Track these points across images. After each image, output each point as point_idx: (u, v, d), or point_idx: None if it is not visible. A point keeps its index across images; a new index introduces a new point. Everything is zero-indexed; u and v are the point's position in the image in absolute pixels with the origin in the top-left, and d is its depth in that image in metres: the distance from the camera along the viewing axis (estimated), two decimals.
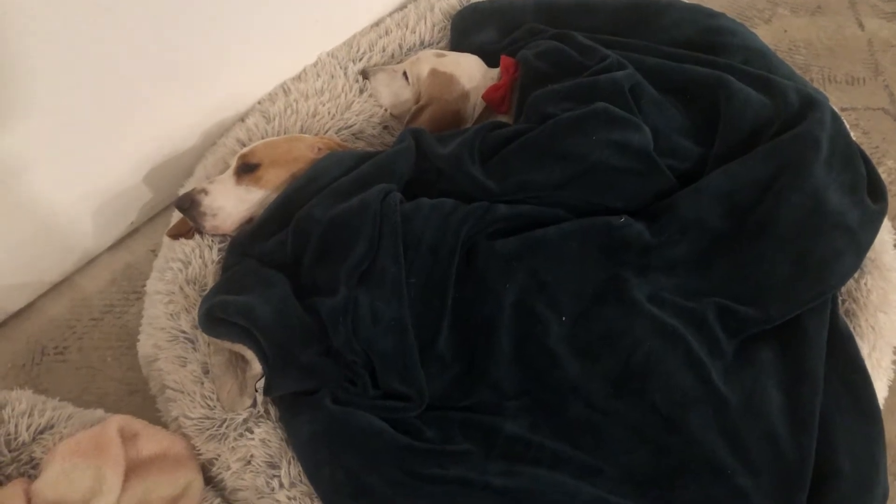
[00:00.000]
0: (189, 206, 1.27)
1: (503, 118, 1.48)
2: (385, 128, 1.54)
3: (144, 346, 1.28)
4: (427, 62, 1.51)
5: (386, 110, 1.56)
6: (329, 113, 1.50)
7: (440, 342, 1.17)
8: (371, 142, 1.51)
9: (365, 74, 1.58)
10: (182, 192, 1.38)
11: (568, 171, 1.26)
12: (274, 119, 1.48)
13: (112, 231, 1.55)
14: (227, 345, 1.17)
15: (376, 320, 1.15)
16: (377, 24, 1.67)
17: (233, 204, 1.29)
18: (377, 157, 1.34)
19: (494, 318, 1.18)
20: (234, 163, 1.33)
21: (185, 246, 1.32)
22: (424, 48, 1.63)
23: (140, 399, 1.31)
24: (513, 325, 1.18)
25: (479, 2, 1.64)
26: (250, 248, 1.28)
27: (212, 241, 1.32)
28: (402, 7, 1.71)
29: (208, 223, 1.28)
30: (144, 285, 1.37)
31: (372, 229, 1.19)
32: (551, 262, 1.21)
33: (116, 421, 1.09)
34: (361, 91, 1.56)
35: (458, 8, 1.65)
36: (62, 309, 1.46)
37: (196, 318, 1.23)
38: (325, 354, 1.15)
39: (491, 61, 1.54)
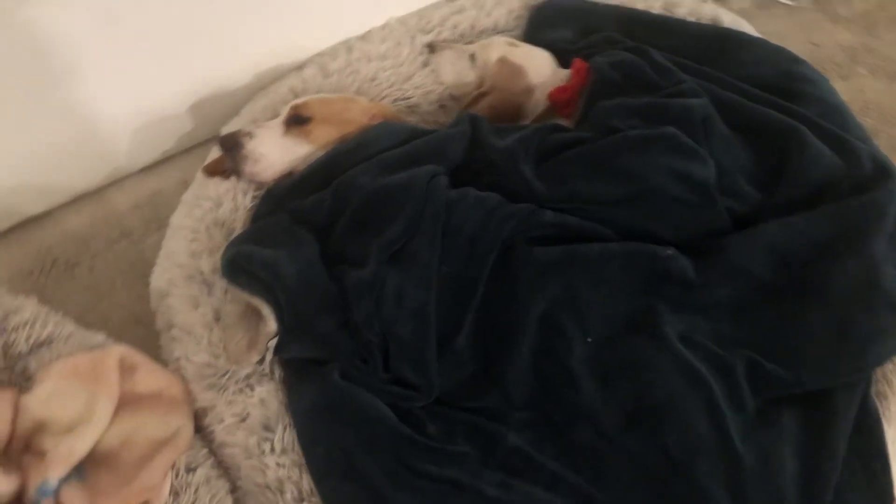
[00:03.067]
0: (232, 146, 1.24)
1: (564, 121, 1.44)
2: (441, 107, 1.50)
3: (158, 279, 1.25)
4: (498, 49, 1.47)
5: (445, 89, 1.52)
6: (388, 80, 1.46)
7: (460, 338, 1.14)
8: (425, 118, 1.47)
9: (431, 48, 1.54)
10: (226, 130, 1.34)
11: (623, 190, 1.22)
12: (332, 75, 1.43)
13: (147, 154, 1.51)
14: (245, 296, 1.13)
15: (401, 303, 1.12)
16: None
17: (277, 153, 1.25)
18: (430, 135, 1.30)
19: (519, 324, 1.15)
20: (284, 112, 1.29)
21: (219, 186, 1.28)
22: (497, 34, 1.58)
23: (143, 331, 1.27)
24: (536, 336, 1.15)
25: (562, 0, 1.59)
26: (286, 202, 1.25)
27: (247, 185, 1.29)
28: None
29: (248, 168, 1.25)
30: (168, 216, 1.33)
31: (414, 209, 1.15)
32: (589, 279, 1.17)
33: (118, 351, 1.06)
34: (424, 65, 1.52)
35: (540, 3, 1.60)
36: (81, 223, 1.43)
37: (218, 261, 1.20)
38: (342, 327, 1.12)
39: (561, 61, 1.50)
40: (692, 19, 1.58)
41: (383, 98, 1.44)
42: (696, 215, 1.23)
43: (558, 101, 1.42)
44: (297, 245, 1.16)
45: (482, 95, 1.45)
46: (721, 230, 1.24)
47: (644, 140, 1.23)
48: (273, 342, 1.09)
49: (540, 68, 1.46)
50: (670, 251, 1.19)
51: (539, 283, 1.16)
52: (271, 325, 1.08)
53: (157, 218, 1.43)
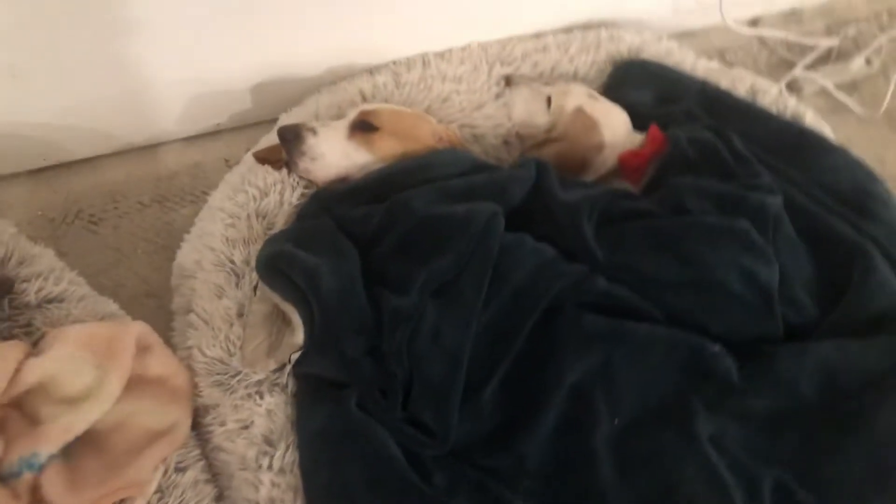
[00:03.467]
0: (292, 138, 1.18)
1: (628, 186, 1.39)
2: (506, 143, 1.45)
3: (186, 257, 1.19)
4: (576, 98, 1.42)
5: (513, 126, 1.47)
6: (459, 105, 1.41)
7: (487, 391, 1.09)
8: (487, 151, 1.42)
9: (508, 81, 1.49)
10: (286, 119, 1.28)
11: (683, 275, 1.18)
12: (405, 87, 1.38)
13: (196, 123, 1.45)
14: (276, 299, 1.07)
15: (436, 340, 1.07)
16: (538, 36, 1.58)
17: (337, 156, 1.20)
18: (494, 172, 1.25)
19: (550, 388, 1.10)
20: (351, 115, 1.24)
21: (269, 175, 1.23)
22: (576, 80, 1.53)
23: (155, 305, 1.21)
24: (564, 404, 1.10)
25: (649, 61, 1.54)
26: (334, 208, 1.20)
27: (296, 181, 1.23)
28: (567, 30, 1.61)
29: (303, 164, 1.19)
30: (204, 191, 1.27)
31: (467, 245, 1.11)
32: (630, 359, 1.13)
33: (137, 329, 0.99)
34: (497, 96, 1.47)
35: (626, 57, 1.55)
36: (114, 179, 1.37)
37: (252, 254, 1.14)
38: (369, 353, 1.06)
39: (636, 124, 1.45)
40: (774, 110, 1.52)
41: (451, 122, 1.39)
42: (752, 317, 1.18)
43: (628, 165, 1.38)
44: (339, 257, 1.10)
45: (550, 141, 1.41)
46: (772, 337, 1.19)
47: (716, 229, 1.19)
48: (297, 355, 1.03)
49: (616, 127, 1.41)
50: (717, 348, 1.15)
51: (579, 351, 1.12)
52: (299, 336, 1.02)
53: (192, 191, 1.37)
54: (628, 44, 1.56)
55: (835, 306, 1.24)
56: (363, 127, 1.22)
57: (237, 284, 1.12)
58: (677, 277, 1.17)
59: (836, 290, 1.26)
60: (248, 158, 1.26)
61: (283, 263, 1.07)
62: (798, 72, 1.82)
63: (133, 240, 1.32)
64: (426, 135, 1.26)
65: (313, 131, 1.20)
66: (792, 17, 2.05)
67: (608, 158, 1.40)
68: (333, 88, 1.40)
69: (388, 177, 1.21)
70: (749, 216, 1.22)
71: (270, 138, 1.30)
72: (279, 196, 1.20)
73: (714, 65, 1.59)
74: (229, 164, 1.38)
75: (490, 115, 1.43)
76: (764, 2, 1.95)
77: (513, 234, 1.17)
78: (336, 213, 1.20)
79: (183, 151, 1.42)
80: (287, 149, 1.20)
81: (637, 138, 1.42)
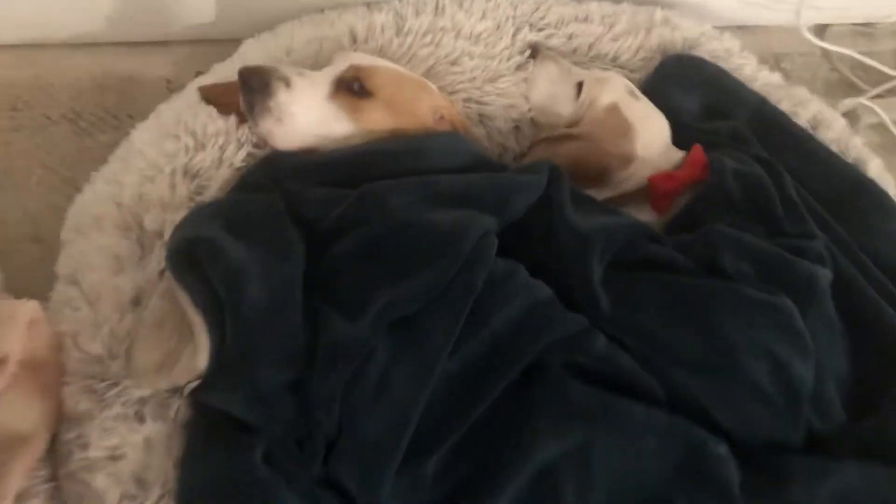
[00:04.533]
0: (259, 87, 0.91)
1: (651, 215, 1.13)
2: (516, 128, 1.20)
3: (86, 206, 0.92)
4: (614, 92, 1.16)
5: (529, 109, 1.19)
6: (471, 72, 1.14)
7: (433, 459, 0.88)
8: (492, 136, 1.16)
9: (534, 51, 1.22)
10: (250, 47, 1.00)
11: (701, 353, 0.95)
12: (407, 35, 1.11)
13: (139, 26, 1.15)
14: (183, 300, 0.81)
15: (382, 391, 0.85)
16: (580, 0, 1.28)
17: (311, 121, 0.95)
18: (497, 175, 1.00)
19: (511, 465, 0.90)
20: (339, 65, 0.96)
21: (212, 121, 0.96)
22: (615, 67, 1.26)
23: (38, 255, 0.95)
24: (524, 488, 0.89)
25: (705, 61, 1.27)
26: (289, 182, 0.93)
27: (246, 137, 0.95)
28: (616, 0, 1.32)
29: (265, 124, 0.92)
30: (133, 117, 1.00)
31: (446, 270, 0.88)
32: (615, 446, 0.92)
33: (30, 310, 0.78)
34: (518, 69, 1.19)
35: (679, 50, 1.28)
36: (17, 79, 1.06)
37: (170, 225, 0.87)
38: (291, 390, 0.82)
39: (676, 137, 1.20)
40: (835, 148, 1.27)
41: (455, 92, 1.11)
42: (772, 418, 0.97)
43: (659, 189, 1.13)
44: (279, 255, 0.85)
45: (569, 138, 1.16)
46: (790, 446, 0.97)
47: (752, 304, 0.97)
48: (194, 381, 0.77)
49: (652, 139, 1.16)
50: (723, 450, 0.94)
51: (558, 426, 0.92)
52: (201, 360, 0.78)
53: (117, 112, 1.09)
54: (684, 34, 1.29)
55: (867, 414, 1.02)
56: (353, 88, 0.96)
57: (141, 261, 0.86)
58: (693, 353, 0.95)
59: (872, 393, 1.05)
60: (191, 91, 0.97)
61: (201, 253, 0.81)
62: (864, 100, 1.56)
63: (29, 163, 1.03)
64: (425, 110, 1.02)
65: (286, 82, 0.93)
66: (863, 32, 1.78)
67: (634, 175, 1.16)
68: (318, 19, 1.12)
69: (367, 156, 0.95)
70: (793, 290, 1.00)
71: (225, 70, 1.01)
72: (219, 152, 0.93)
73: (776, 79, 1.32)
74: (171, 86, 1.10)
75: (505, 92, 1.16)
76: (838, 8, 1.66)
77: (504, 261, 0.94)
78: (290, 188, 0.94)
79: (115, 59, 1.12)
80: (248, 100, 0.92)
81: (674, 156, 1.18)
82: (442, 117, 1.04)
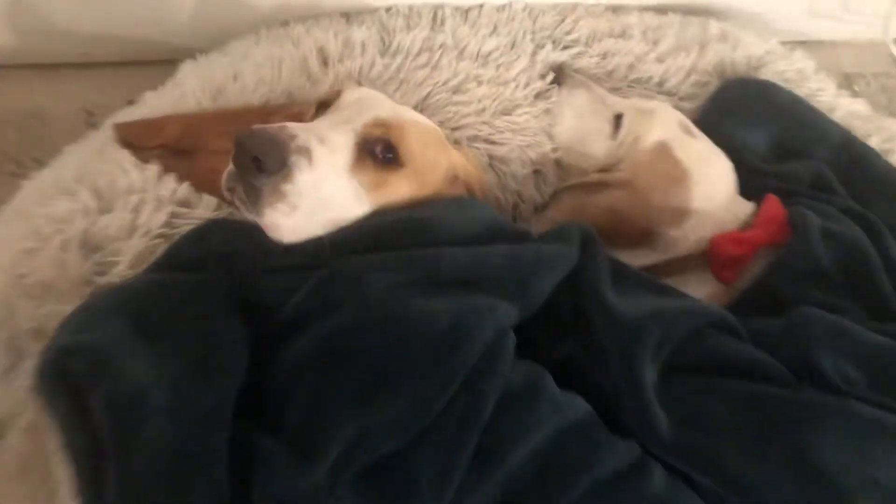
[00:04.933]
0: (272, 166, 0.65)
1: (711, 288, 0.89)
2: (536, 172, 0.93)
3: None
4: (663, 127, 0.92)
5: (553, 149, 0.93)
6: (478, 102, 0.88)
7: None
8: (505, 182, 0.92)
9: (559, 75, 0.96)
10: (185, 74, 0.74)
11: (792, 495, 0.68)
12: (395, 54, 0.85)
13: (49, 44, 0.88)
14: (53, 431, 0.55)
15: None
16: (615, 10, 1.02)
17: (333, 205, 0.70)
18: (518, 248, 0.73)
19: None
20: (357, 121, 0.72)
21: (125, 174, 0.70)
22: (660, 94, 1.00)
23: None
24: None
25: (775, 85, 1.01)
26: (243, 260, 0.68)
27: (173, 194, 0.69)
28: (661, 10, 1.06)
29: (273, 216, 0.66)
30: (40, 161, 0.75)
31: (441, 387, 0.63)
32: None
33: None
34: (537, 96, 0.93)
35: (741, 72, 1.02)
36: None
37: (56, 319, 0.62)
38: None
39: (742, 184, 0.96)
40: None
41: (459, 128, 0.85)
42: None
43: (723, 254, 0.86)
44: (202, 371, 0.60)
45: (605, 186, 0.92)
46: None
47: (866, 428, 0.71)
48: None
49: (714, 187, 0.92)
50: None
51: None
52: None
53: (18, 155, 0.82)
54: (747, 51, 1.05)
55: None
56: (377, 154, 0.71)
57: (8, 373, 0.59)
58: (786, 496, 0.69)
59: None
60: (104, 133, 0.72)
61: (81, 369, 0.56)
62: None
63: None
64: (441, 172, 0.78)
65: (308, 154, 0.67)
66: None
67: (690, 235, 0.91)
68: (279, 35, 0.85)
69: (355, 236, 0.70)
70: None
71: (159, 100, 0.76)
72: (131, 215, 0.68)
73: (862, 107, 1.06)
74: (92, 120, 0.84)
75: (521, 127, 0.91)
76: None
77: (524, 365, 0.71)
78: (242, 268, 0.70)
79: (20, 86, 0.86)
80: (252, 183, 0.65)
81: (741, 210, 0.94)
82: (456, 179, 0.79)
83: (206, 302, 0.68)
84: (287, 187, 0.65)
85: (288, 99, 0.81)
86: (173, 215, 0.72)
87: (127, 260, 0.69)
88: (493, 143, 0.89)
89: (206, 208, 0.74)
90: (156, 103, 0.80)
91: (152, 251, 0.71)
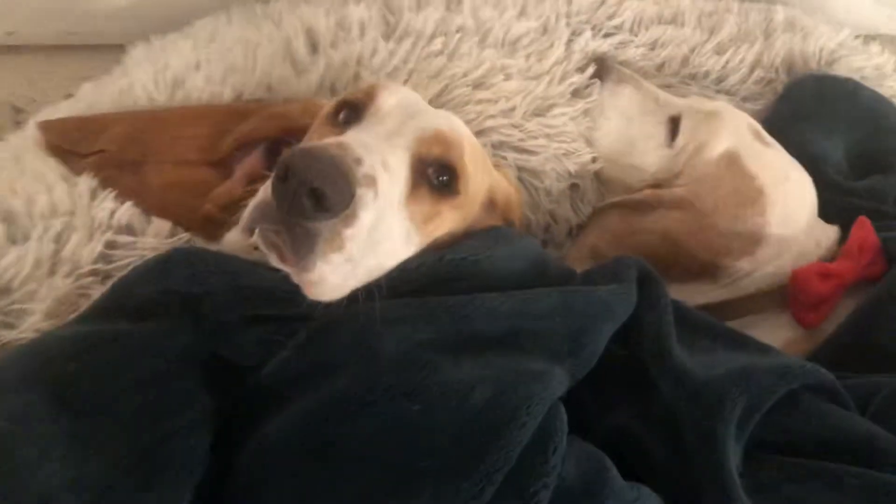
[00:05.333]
0: (334, 203, 0.48)
1: (790, 332, 0.74)
2: (574, 187, 0.76)
3: None
4: (732, 134, 0.79)
5: (594, 159, 0.76)
6: (507, 101, 0.71)
7: None
8: (537, 198, 0.75)
9: (601, 68, 0.80)
10: (135, 70, 0.60)
11: None
12: (402, 38, 0.71)
13: None
14: None
15: None
16: None
17: (388, 249, 0.54)
18: (568, 292, 0.56)
19: None
20: (410, 141, 0.56)
21: (48, 190, 0.54)
22: (718, 93, 0.83)
23: None
24: None
25: (859, 85, 0.84)
26: (218, 306, 0.54)
27: (111, 218, 0.52)
28: None
29: (323, 269, 0.50)
30: None
31: (479, 486, 0.46)
32: None
33: None
34: (575, 93, 0.75)
35: (813, 69, 0.85)
36: None
37: None
38: None
39: (820, 203, 0.80)
40: None
41: (481, 133, 0.70)
42: None
43: (807, 291, 0.70)
44: (151, 467, 0.48)
45: (657, 205, 0.76)
46: None
47: None
48: None
49: (793, 207, 0.76)
50: None
51: None
52: None
53: None
54: (819, 43, 0.88)
55: None
56: (435, 180, 0.57)
57: None
58: None
59: None
60: (25, 135, 0.54)
61: None
62: None
63: None
64: (481, 198, 0.63)
65: (374, 185, 0.51)
66: None
67: (764, 267, 0.76)
68: (254, 12, 0.68)
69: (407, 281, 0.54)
70: None
71: (98, 94, 0.58)
72: (52, 246, 0.49)
73: None
74: (21, 116, 0.67)
75: (557, 131, 0.75)
76: None
77: (580, 449, 0.54)
78: (216, 316, 0.53)
79: None
80: (299, 219, 0.48)
81: (826, 236, 0.78)
82: (493, 203, 0.63)
83: (159, 362, 0.51)
84: (348, 232, 0.49)
85: (267, 93, 0.64)
86: (111, 245, 0.55)
87: (44, 307, 0.51)
88: (524, 151, 0.72)
89: (156, 236, 0.57)
90: (96, 97, 0.63)
91: (82, 294, 0.53)
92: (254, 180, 0.62)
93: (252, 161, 0.62)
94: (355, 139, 0.52)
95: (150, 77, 0.62)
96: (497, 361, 0.52)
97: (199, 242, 0.59)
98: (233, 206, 0.60)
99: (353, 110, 0.59)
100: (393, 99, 0.59)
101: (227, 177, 0.61)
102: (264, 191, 0.49)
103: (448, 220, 0.58)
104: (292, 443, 0.49)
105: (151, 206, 0.59)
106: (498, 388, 0.50)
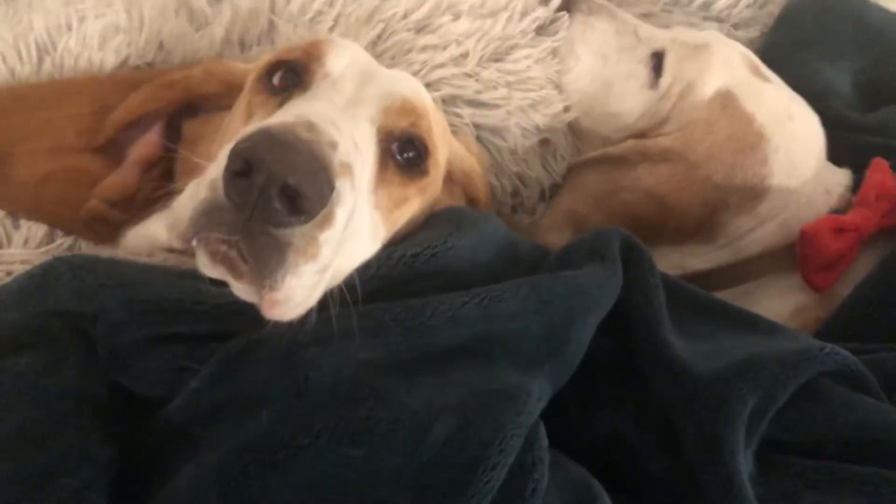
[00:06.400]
0: (312, 198, 0.38)
1: (800, 297, 0.67)
2: (544, 143, 0.67)
3: None
4: (725, 69, 0.71)
5: (565, 108, 0.67)
6: (458, 46, 0.62)
7: None
8: (500, 159, 0.63)
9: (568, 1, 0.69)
10: None
11: None
12: None
13: None
14: None
15: None
16: None
17: (354, 247, 0.47)
18: (544, 281, 0.49)
19: None
20: (374, 112, 0.49)
21: None
22: (706, 21, 0.77)
23: None
24: None
25: (864, 2, 0.79)
26: (114, 328, 0.45)
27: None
28: None
29: (291, 286, 0.40)
30: None
31: None
32: None
33: None
34: (540, 31, 0.66)
35: None
36: None
37: None
38: None
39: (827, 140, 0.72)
40: None
41: (429, 85, 0.59)
42: None
43: (818, 248, 0.63)
44: None
45: (642, 158, 0.69)
46: None
47: None
48: None
49: (799, 152, 0.67)
50: None
51: None
52: None
53: None
54: None
55: None
56: (401, 158, 0.50)
57: None
58: None
59: None
60: None
61: None
62: None
63: None
64: (441, 174, 0.55)
65: (350, 174, 0.42)
66: None
67: (768, 223, 0.68)
68: None
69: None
70: None
71: None
72: None
73: None
74: None
75: (521, 78, 0.64)
76: None
77: (565, 473, 0.47)
78: (112, 338, 0.44)
79: None
80: (263, 225, 0.38)
81: (836, 182, 0.70)
82: (451, 179, 0.56)
83: (35, 411, 0.42)
84: (324, 236, 0.40)
85: (159, 53, 0.53)
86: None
87: None
88: (482, 105, 0.62)
89: (26, 244, 0.46)
90: None
91: None
92: (152, 166, 0.52)
93: (147, 142, 0.52)
94: (317, 114, 0.42)
95: (8, 43, 0.51)
96: (461, 379, 0.44)
97: (86, 248, 0.49)
98: (126, 201, 0.50)
99: (293, 72, 0.49)
100: (343, 59, 0.50)
101: (117, 164, 0.51)
102: (210, 188, 0.38)
103: (414, 205, 0.52)
104: (207, 499, 0.40)
105: (21, 206, 0.49)
106: (463, 418, 0.41)
